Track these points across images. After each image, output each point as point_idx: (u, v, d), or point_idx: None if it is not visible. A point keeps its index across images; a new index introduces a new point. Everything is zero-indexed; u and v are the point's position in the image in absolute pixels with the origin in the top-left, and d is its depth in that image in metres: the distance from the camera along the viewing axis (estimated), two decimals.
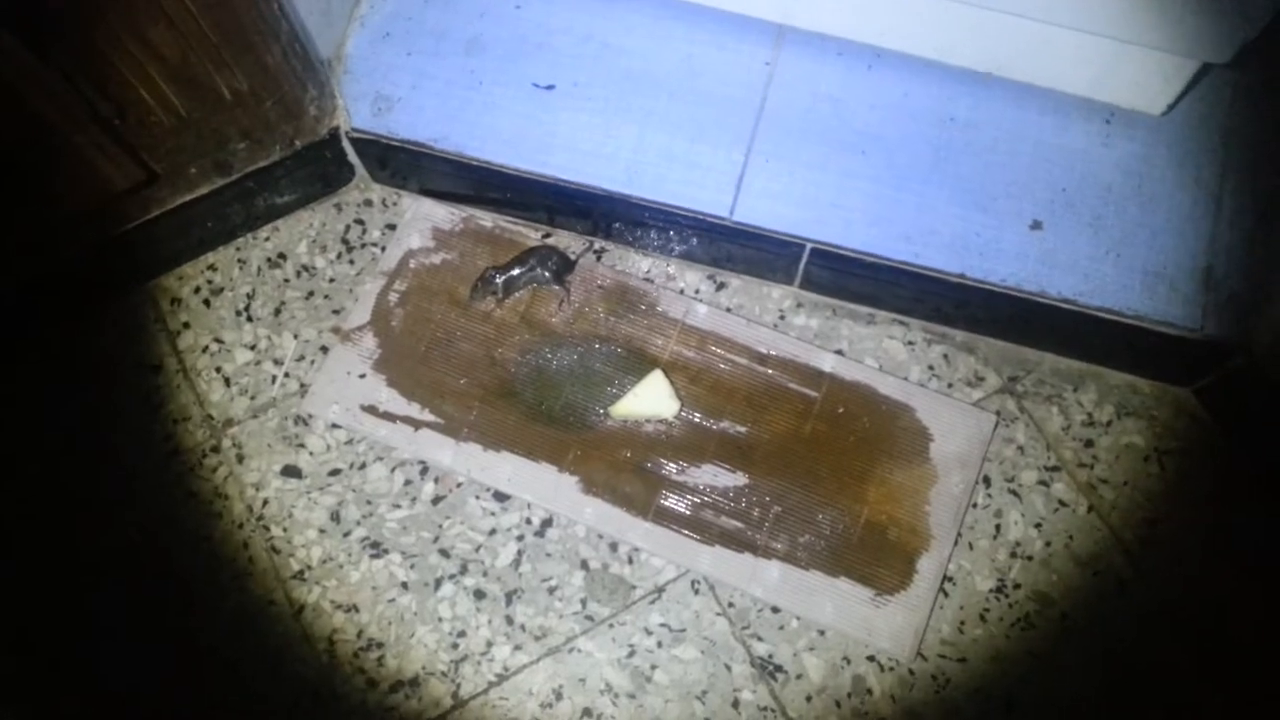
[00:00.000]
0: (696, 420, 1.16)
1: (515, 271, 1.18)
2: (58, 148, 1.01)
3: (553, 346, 1.19)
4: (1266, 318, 1.08)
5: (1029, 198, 1.16)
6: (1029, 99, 1.19)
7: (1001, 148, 1.17)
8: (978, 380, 1.20)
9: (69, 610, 1.12)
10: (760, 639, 1.10)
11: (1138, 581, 1.12)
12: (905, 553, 1.11)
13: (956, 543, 1.12)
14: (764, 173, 1.17)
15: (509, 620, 1.11)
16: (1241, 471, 1.16)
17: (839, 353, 1.20)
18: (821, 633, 1.10)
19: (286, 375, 1.21)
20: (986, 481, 1.16)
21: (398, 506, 1.15)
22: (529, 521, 1.14)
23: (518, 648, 1.10)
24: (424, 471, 1.16)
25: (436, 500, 1.15)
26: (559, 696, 1.08)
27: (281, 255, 1.26)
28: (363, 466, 1.16)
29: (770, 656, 1.09)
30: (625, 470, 1.14)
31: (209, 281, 1.25)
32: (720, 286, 1.25)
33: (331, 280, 1.25)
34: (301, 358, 1.21)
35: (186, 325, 1.23)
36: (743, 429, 1.15)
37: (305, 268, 1.26)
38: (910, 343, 1.22)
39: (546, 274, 1.19)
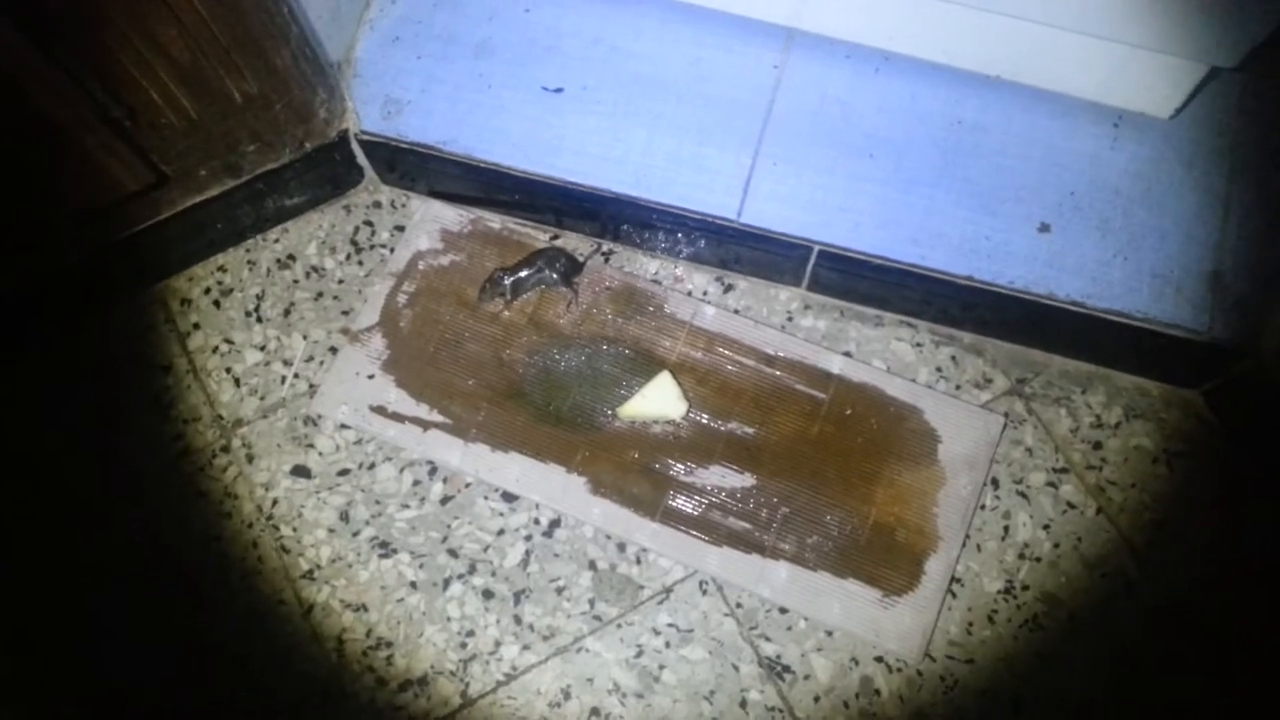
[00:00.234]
0: (704, 421, 1.16)
1: (523, 273, 1.19)
2: (68, 149, 1.01)
3: (561, 348, 1.20)
4: (1274, 320, 1.08)
5: (1037, 201, 1.16)
6: (1037, 102, 1.19)
7: (1010, 151, 1.18)
8: (986, 382, 1.20)
9: (74, 610, 1.13)
10: (768, 639, 1.10)
11: (1146, 583, 1.12)
12: (913, 554, 1.11)
13: (964, 544, 1.12)
14: (772, 175, 1.17)
15: (517, 620, 1.11)
16: (1249, 474, 1.16)
17: (847, 354, 1.20)
18: (829, 633, 1.10)
19: (296, 376, 1.21)
20: (995, 483, 1.16)
21: (406, 506, 1.15)
22: (537, 522, 1.15)
23: (526, 647, 1.10)
24: (432, 472, 1.17)
25: (445, 500, 1.15)
26: (567, 696, 1.08)
27: (291, 256, 1.27)
28: (371, 467, 1.17)
29: (778, 657, 1.09)
30: (633, 471, 1.14)
31: (219, 283, 1.26)
32: (728, 288, 1.25)
33: (340, 281, 1.25)
34: (311, 358, 1.22)
35: (196, 326, 1.24)
36: (750, 430, 1.16)
37: (314, 269, 1.26)
38: (918, 345, 1.22)
39: (554, 276, 1.19)
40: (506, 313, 1.21)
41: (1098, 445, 1.18)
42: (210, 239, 1.25)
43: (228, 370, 1.22)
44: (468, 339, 1.20)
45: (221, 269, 1.27)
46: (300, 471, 1.17)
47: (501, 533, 1.14)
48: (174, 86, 1.04)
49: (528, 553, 1.13)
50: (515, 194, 1.23)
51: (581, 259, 1.22)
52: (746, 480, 1.14)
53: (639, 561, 1.13)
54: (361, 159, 1.26)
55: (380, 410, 1.17)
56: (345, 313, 1.24)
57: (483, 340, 1.20)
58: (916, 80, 1.20)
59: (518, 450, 1.15)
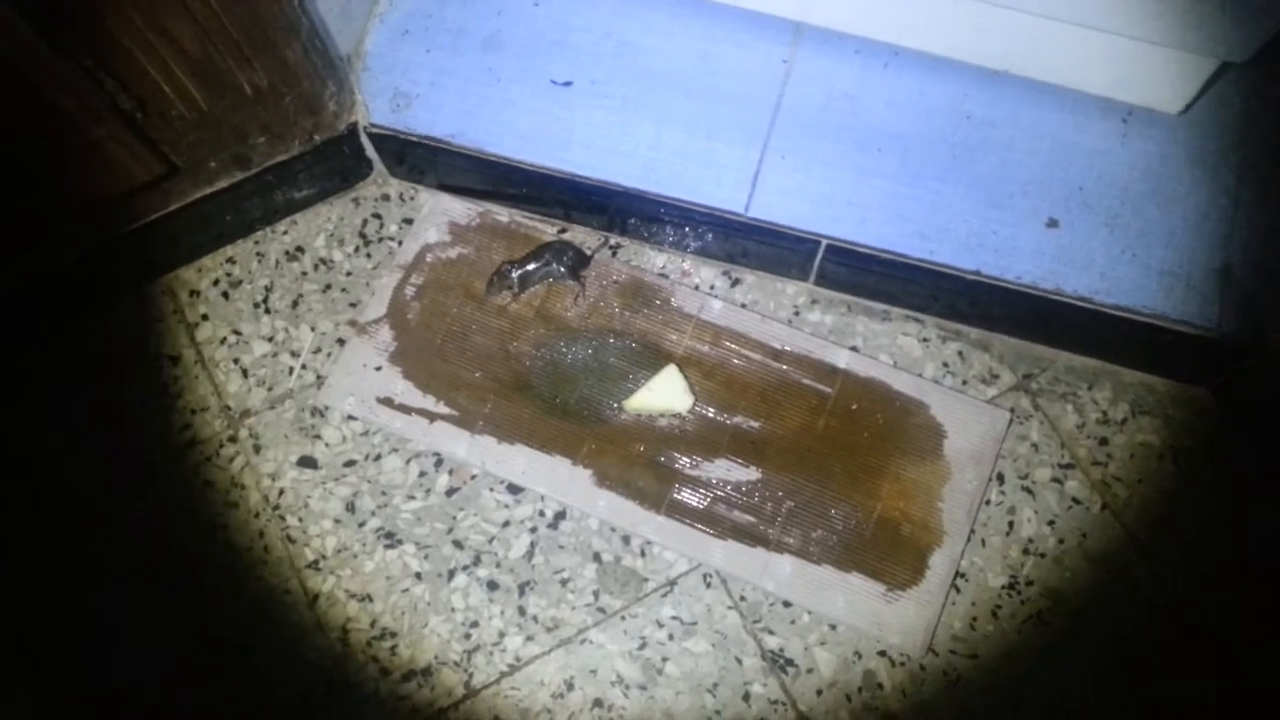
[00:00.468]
0: (710, 415, 1.16)
1: (531, 266, 1.19)
2: (78, 140, 1.02)
3: (568, 341, 1.20)
4: None
5: (1045, 196, 1.15)
6: (1046, 97, 1.19)
7: (1018, 146, 1.17)
8: (992, 378, 1.20)
9: (79, 600, 1.14)
10: (772, 633, 1.10)
11: (1150, 579, 1.12)
12: (918, 548, 1.11)
13: (969, 539, 1.12)
14: (780, 169, 1.17)
15: (521, 611, 1.11)
16: (1255, 471, 1.16)
17: (853, 349, 1.20)
18: (833, 627, 1.10)
19: (303, 367, 1.22)
20: (1000, 478, 1.16)
21: (412, 498, 1.16)
22: (542, 514, 1.15)
23: (530, 638, 1.10)
24: (439, 463, 1.17)
25: (451, 492, 1.16)
26: (570, 687, 1.09)
27: (299, 249, 1.27)
28: (378, 458, 1.17)
29: (781, 650, 1.09)
30: (639, 464, 1.14)
31: (227, 274, 1.27)
32: (735, 282, 1.25)
33: (349, 274, 1.26)
34: (318, 350, 1.22)
35: (205, 317, 1.25)
36: (756, 424, 1.16)
37: (323, 261, 1.27)
38: (925, 340, 1.22)
39: (562, 269, 1.19)
40: (514, 305, 1.21)
41: (1104, 441, 1.17)
42: (219, 231, 1.26)
43: (235, 361, 1.22)
44: (475, 331, 1.20)
45: (230, 260, 1.27)
46: (307, 462, 1.18)
47: (507, 524, 1.14)
48: (184, 78, 1.04)
49: (533, 544, 1.14)
50: (523, 187, 1.23)
51: (589, 252, 1.23)
52: (752, 474, 1.14)
53: (643, 554, 1.13)
54: (370, 152, 1.26)
55: (387, 402, 1.18)
56: (353, 305, 1.24)
57: (490, 333, 1.20)
58: (925, 75, 1.20)
59: (524, 442, 1.16)
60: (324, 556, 1.14)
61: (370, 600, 1.12)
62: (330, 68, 1.15)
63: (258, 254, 1.28)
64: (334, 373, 1.20)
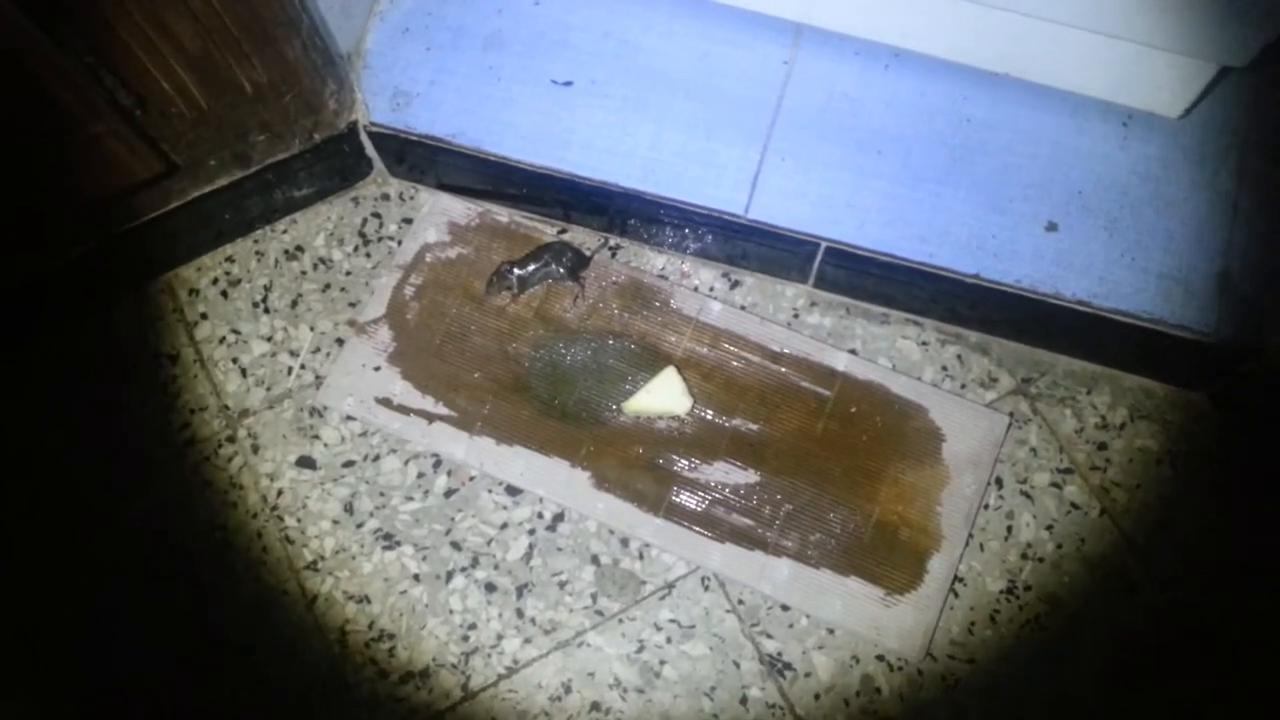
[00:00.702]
0: (709, 417, 1.16)
1: (530, 267, 1.19)
2: (77, 136, 1.01)
3: (566, 342, 1.20)
4: None
5: (1045, 199, 1.15)
6: (1046, 100, 1.19)
7: (1018, 149, 1.17)
8: (991, 381, 1.20)
9: (77, 602, 1.13)
10: (769, 636, 1.10)
11: (1149, 584, 1.12)
12: (916, 553, 1.11)
13: (968, 544, 1.12)
14: (780, 171, 1.17)
15: (519, 614, 1.11)
16: (1254, 476, 1.16)
17: (852, 352, 1.20)
18: (831, 631, 1.10)
19: (302, 367, 1.21)
20: (999, 483, 1.16)
21: (411, 499, 1.15)
22: (540, 516, 1.15)
23: (528, 641, 1.10)
24: (437, 465, 1.17)
25: (449, 493, 1.16)
26: (568, 690, 1.08)
27: (299, 248, 1.27)
28: (376, 459, 1.17)
29: (779, 654, 1.09)
30: (637, 466, 1.14)
31: (227, 273, 1.26)
32: (734, 284, 1.25)
33: (348, 273, 1.26)
34: (317, 350, 1.22)
35: (204, 316, 1.24)
36: (755, 427, 1.16)
37: (322, 260, 1.26)
38: (924, 343, 1.22)
39: (561, 270, 1.19)
40: (513, 306, 1.21)
41: (1102, 446, 1.17)
42: (218, 229, 1.26)
43: (234, 360, 1.22)
44: (474, 332, 1.20)
45: (229, 259, 1.27)
46: (305, 463, 1.17)
47: (505, 526, 1.14)
48: (184, 75, 1.04)
49: (531, 547, 1.13)
50: (523, 187, 1.23)
51: (588, 253, 1.22)
52: (750, 477, 1.14)
53: (642, 557, 1.13)
54: (370, 151, 1.26)
55: (386, 402, 1.18)
56: (352, 304, 1.24)
57: (489, 334, 1.20)
58: (926, 77, 1.20)
59: (522, 444, 1.16)
60: (322, 557, 1.14)
61: (368, 601, 1.12)
62: (330, 66, 1.15)
63: (257, 253, 1.27)
64: (333, 373, 1.19)
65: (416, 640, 1.11)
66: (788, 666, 1.09)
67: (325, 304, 1.24)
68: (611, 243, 1.26)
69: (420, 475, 1.16)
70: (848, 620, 1.09)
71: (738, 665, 1.09)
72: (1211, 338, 1.11)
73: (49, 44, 0.92)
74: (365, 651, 1.10)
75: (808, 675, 1.09)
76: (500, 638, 1.10)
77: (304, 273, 1.26)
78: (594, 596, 1.12)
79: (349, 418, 1.19)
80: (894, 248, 1.14)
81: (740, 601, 1.11)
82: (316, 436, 1.18)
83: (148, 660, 1.11)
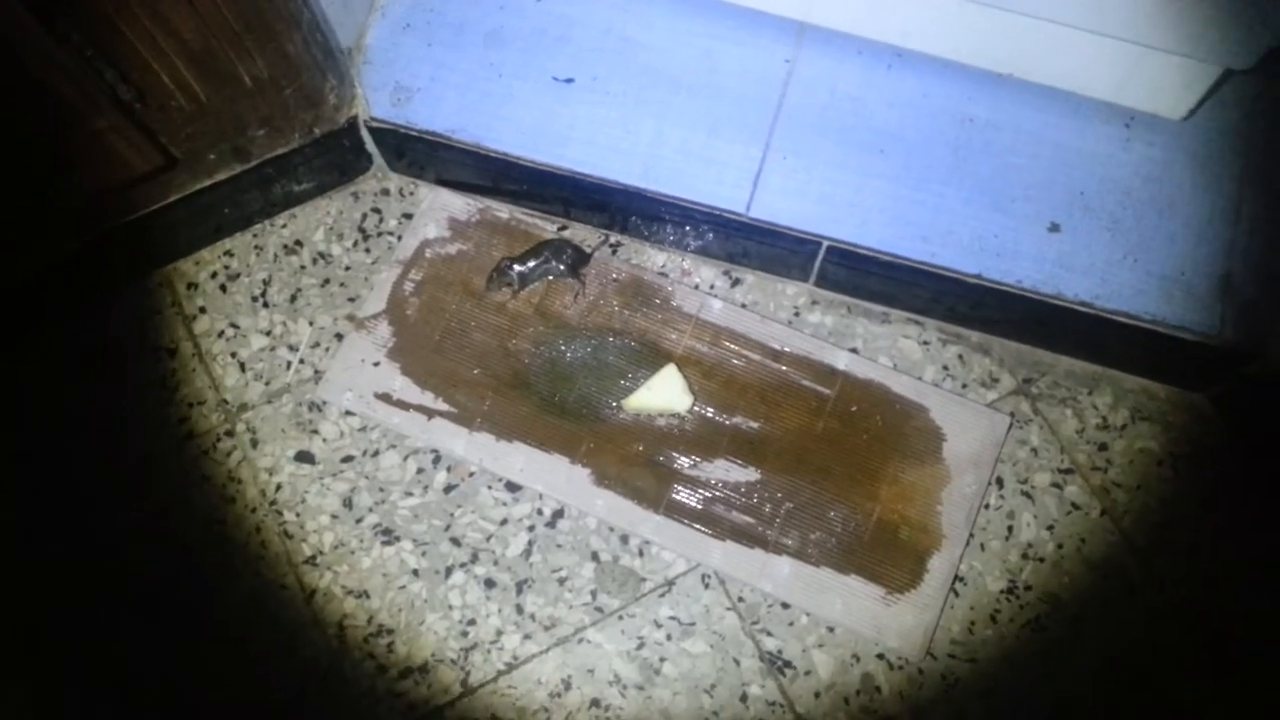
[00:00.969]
0: (709, 415, 1.16)
1: (531, 263, 1.19)
2: (77, 130, 1.01)
3: (567, 339, 1.19)
4: None
5: (1047, 200, 1.15)
6: (1049, 101, 1.18)
7: (1021, 150, 1.17)
8: (992, 381, 1.20)
9: (76, 596, 1.13)
10: (770, 634, 1.10)
11: (1149, 585, 1.12)
12: (916, 552, 1.11)
13: (968, 543, 1.12)
14: (781, 169, 1.17)
15: (519, 610, 1.11)
16: (1255, 477, 1.16)
17: (853, 351, 1.20)
18: (831, 630, 1.10)
19: (301, 361, 1.21)
20: (999, 483, 1.16)
21: (410, 494, 1.15)
22: (540, 512, 1.14)
23: (527, 637, 1.10)
24: (436, 460, 1.16)
25: (448, 489, 1.15)
26: (568, 686, 1.08)
27: (298, 242, 1.27)
28: (376, 454, 1.17)
29: (779, 652, 1.09)
30: (637, 463, 1.14)
31: (226, 267, 1.26)
32: (735, 282, 1.25)
33: (347, 268, 1.25)
34: (316, 344, 1.22)
35: (203, 310, 1.24)
36: (755, 425, 1.16)
37: (322, 255, 1.26)
38: (925, 342, 1.22)
39: (562, 266, 1.19)
40: (513, 303, 1.21)
41: (1103, 447, 1.17)
42: (218, 223, 1.25)
43: (233, 355, 1.22)
44: (474, 328, 1.20)
45: (229, 253, 1.27)
46: (304, 457, 1.17)
47: (504, 522, 1.14)
48: (184, 69, 1.04)
49: (530, 543, 1.13)
50: (524, 184, 1.23)
51: (589, 250, 1.22)
52: (750, 475, 1.14)
53: (641, 554, 1.13)
54: (370, 146, 1.25)
55: (385, 398, 1.17)
56: (352, 299, 1.23)
57: (489, 330, 1.20)
58: (928, 77, 1.20)
59: (522, 440, 1.15)
60: (321, 552, 1.13)
61: (367, 597, 1.12)
62: (331, 60, 1.14)
63: (256, 247, 1.27)
64: (332, 368, 1.19)
65: (415, 635, 1.10)
66: (788, 664, 1.09)
67: (324, 299, 1.24)
68: (612, 240, 1.26)
69: (420, 471, 1.16)
70: (848, 619, 1.09)
71: (738, 663, 1.09)
72: (1213, 339, 1.11)
73: (49, 38, 0.91)
74: (364, 646, 1.10)
75: (808, 673, 1.08)
76: (500, 634, 1.10)
77: (303, 267, 1.25)
78: (594, 593, 1.11)
79: (348, 413, 1.18)
80: (896, 247, 1.14)
81: (740, 599, 1.11)
82: (315, 431, 1.18)
83: (143, 654, 1.10)
